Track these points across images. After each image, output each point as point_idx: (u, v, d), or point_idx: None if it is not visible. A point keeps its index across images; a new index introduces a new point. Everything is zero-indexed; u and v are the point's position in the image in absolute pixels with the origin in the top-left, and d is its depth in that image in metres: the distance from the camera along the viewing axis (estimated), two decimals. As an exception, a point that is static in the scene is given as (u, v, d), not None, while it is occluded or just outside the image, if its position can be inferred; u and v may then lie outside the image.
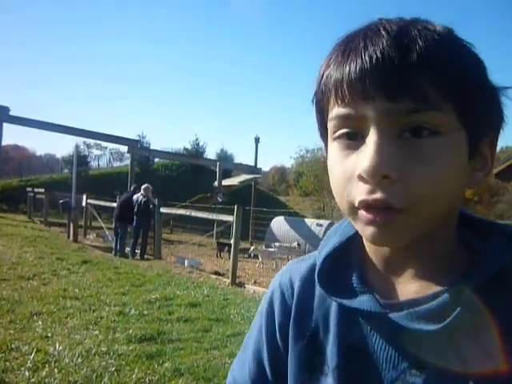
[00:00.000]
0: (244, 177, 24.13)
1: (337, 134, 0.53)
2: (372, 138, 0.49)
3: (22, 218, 19.25)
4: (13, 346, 3.77)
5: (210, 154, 37.39)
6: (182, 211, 12.04)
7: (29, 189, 20.75)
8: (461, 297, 0.51)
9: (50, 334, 4.15)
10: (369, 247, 0.60)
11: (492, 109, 0.53)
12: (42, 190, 18.43)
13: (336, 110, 0.52)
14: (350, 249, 0.63)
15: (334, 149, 0.54)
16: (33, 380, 3.16)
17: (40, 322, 4.49)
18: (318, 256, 0.64)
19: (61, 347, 3.80)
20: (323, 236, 0.69)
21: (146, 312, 5.17)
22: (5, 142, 22.62)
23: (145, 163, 31.72)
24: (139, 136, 32.96)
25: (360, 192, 0.50)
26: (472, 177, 0.54)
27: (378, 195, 0.49)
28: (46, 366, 3.41)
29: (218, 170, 20.73)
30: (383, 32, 0.50)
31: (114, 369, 3.44)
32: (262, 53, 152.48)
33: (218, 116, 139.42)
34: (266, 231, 15.88)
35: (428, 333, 0.51)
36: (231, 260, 8.37)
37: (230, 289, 7.48)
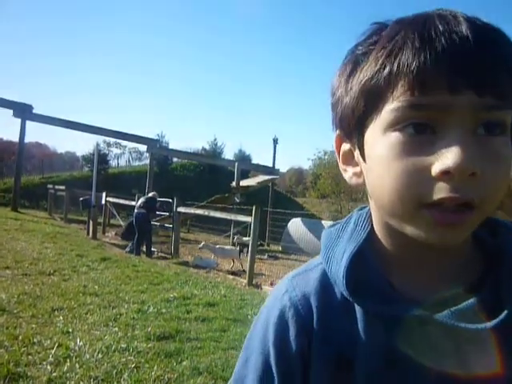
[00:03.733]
0: (262, 177, 24.12)
1: (400, 125, 0.49)
2: (455, 133, 0.47)
3: (43, 214, 19.59)
4: (35, 340, 3.83)
5: (228, 154, 37.54)
6: (200, 211, 12.10)
7: (50, 186, 21.04)
8: (497, 296, 0.51)
9: (70, 330, 4.21)
10: (393, 249, 0.57)
11: None
12: (63, 188, 18.73)
13: (410, 99, 0.48)
14: (365, 254, 0.58)
15: (393, 141, 0.50)
16: (54, 374, 3.20)
17: (61, 318, 4.56)
18: (328, 264, 0.60)
19: (81, 343, 3.85)
20: None
21: (164, 310, 5.20)
22: (27, 140, 23.02)
23: (163, 163, 31.92)
24: (158, 135, 33.19)
25: (438, 190, 0.47)
26: None
27: (461, 193, 0.46)
28: (68, 360, 3.46)
29: (236, 170, 20.77)
30: (461, 19, 0.48)
31: (133, 366, 3.47)
32: (280, 53, 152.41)
33: (236, 117, 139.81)
34: (283, 232, 15.86)
35: (478, 331, 0.50)
36: (248, 261, 8.37)
37: (246, 289, 7.48)
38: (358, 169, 0.58)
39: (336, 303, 0.59)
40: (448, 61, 0.46)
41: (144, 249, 11.06)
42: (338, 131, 0.60)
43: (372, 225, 0.61)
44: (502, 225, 0.60)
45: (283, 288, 0.63)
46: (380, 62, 0.50)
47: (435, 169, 0.47)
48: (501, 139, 0.49)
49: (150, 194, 11.75)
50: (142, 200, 11.32)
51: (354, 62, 0.55)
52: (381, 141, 0.51)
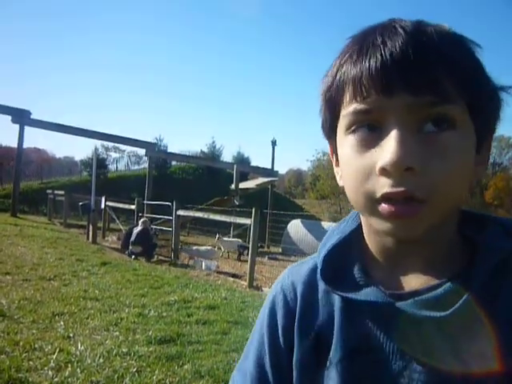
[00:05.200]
0: (261, 180, 24.14)
1: (354, 127, 0.54)
2: (394, 131, 0.50)
3: (43, 219, 19.58)
4: (36, 345, 3.83)
5: (227, 156, 37.36)
6: (199, 214, 12.08)
7: (49, 191, 21.04)
8: (466, 286, 0.53)
9: (71, 335, 4.21)
10: (371, 241, 0.61)
11: (494, 106, 0.56)
12: (62, 192, 18.70)
13: (354, 106, 0.53)
14: (350, 245, 0.64)
15: (350, 143, 0.55)
16: (56, 379, 3.20)
17: (62, 323, 4.56)
18: (318, 256, 0.65)
19: (82, 347, 3.85)
20: None
21: (165, 314, 5.21)
22: (25, 145, 23.00)
23: (162, 166, 31.87)
24: (157, 139, 32.96)
25: (382, 185, 0.51)
26: (475, 171, 0.56)
27: (401, 187, 0.50)
28: (69, 365, 3.45)
29: (234, 172, 20.77)
30: (400, 29, 0.52)
31: (134, 370, 3.47)
32: (277, 54, 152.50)
33: (234, 119, 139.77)
34: (283, 234, 15.86)
35: (435, 319, 0.53)
36: (249, 263, 8.37)
37: (247, 292, 7.48)
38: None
39: (319, 291, 0.65)
40: (381, 68, 0.50)
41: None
42: None
43: (360, 222, 0.65)
44: (490, 220, 0.62)
45: (280, 277, 0.73)
46: (333, 74, 0.57)
47: (377, 166, 0.51)
48: (449, 133, 0.51)
49: (140, 225, 11.21)
50: (134, 236, 10.83)
51: (326, 75, 0.60)
52: (343, 143, 0.57)
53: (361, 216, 0.63)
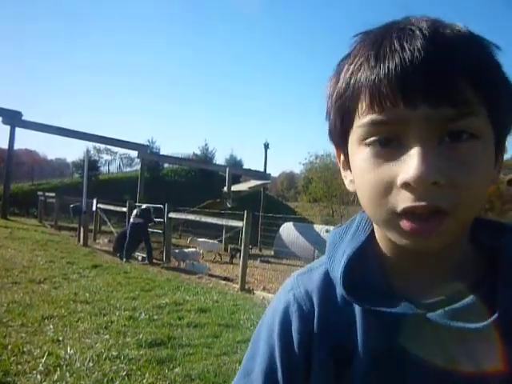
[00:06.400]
0: (253, 182, 24.12)
1: (369, 140, 0.51)
2: (415, 145, 0.48)
3: (33, 221, 19.41)
4: (24, 349, 3.79)
5: (220, 159, 37.23)
6: (191, 216, 12.06)
7: (40, 193, 20.89)
8: (493, 296, 0.51)
9: (61, 338, 4.17)
10: (388, 251, 0.59)
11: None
12: (53, 194, 18.61)
13: (371, 116, 0.50)
14: (365, 255, 0.60)
15: (365, 155, 0.52)
16: (45, 383, 3.17)
17: (51, 326, 4.51)
18: (330, 264, 0.62)
19: (72, 351, 3.82)
20: None
21: (155, 317, 5.18)
22: (16, 147, 22.84)
23: (154, 168, 31.72)
24: (149, 141, 32.83)
25: (404, 199, 0.49)
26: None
27: (426, 201, 0.47)
28: (58, 369, 3.42)
29: (227, 175, 20.75)
30: (418, 32, 0.48)
31: (124, 373, 3.44)
32: (272, 56, 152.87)
33: (227, 122, 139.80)
34: (275, 237, 15.85)
35: (470, 331, 0.51)
36: (240, 266, 8.36)
37: (239, 294, 7.47)
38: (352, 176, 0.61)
39: (336, 300, 0.61)
40: (400, 77, 0.47)
41: (142, 254, 11.08)
42: None
43: (373, 227, 0.62)
44: (505, 227, 0.60)
45: (289, 285, 0.67)
46: (345, 80, 0.53)
47: (399, 180, 0.49)
48: (471, 144, 0.49)
49: (144, 206, 11.89)
50: (137, 210, 11.47)
51: (336, 77, 0.57)
52: (357, 154, 0.54)
53: (374, 225, 0.61)
